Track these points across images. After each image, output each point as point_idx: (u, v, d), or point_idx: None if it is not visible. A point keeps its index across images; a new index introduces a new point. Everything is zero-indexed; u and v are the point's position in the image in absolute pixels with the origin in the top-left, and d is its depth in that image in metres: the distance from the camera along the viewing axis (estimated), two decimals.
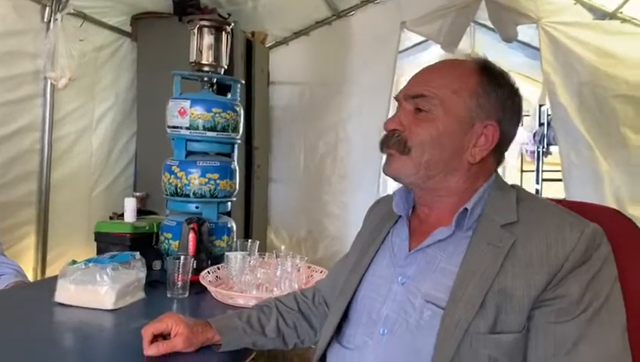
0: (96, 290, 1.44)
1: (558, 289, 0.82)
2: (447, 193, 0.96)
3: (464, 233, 0.92)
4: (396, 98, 1.01)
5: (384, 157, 1.00)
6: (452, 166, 0.94)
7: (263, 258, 1.79)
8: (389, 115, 1.01)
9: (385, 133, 0.98)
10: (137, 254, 1.61)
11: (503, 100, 0.94)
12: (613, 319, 0.82)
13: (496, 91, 0.94)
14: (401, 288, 0.95)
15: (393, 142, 0.96)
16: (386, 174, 0.99)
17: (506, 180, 1.01)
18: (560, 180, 3.75)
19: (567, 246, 0.83)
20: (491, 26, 3.99)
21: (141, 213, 2.15)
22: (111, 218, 2.33)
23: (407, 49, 4.83)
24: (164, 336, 1.15)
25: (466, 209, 0.92)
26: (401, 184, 1.02)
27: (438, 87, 0.93)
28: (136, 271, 1.55)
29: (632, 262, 0.92)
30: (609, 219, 0.96)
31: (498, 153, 0.98)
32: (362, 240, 1.12)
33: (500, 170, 1.02)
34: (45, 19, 2.57)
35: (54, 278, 1.53)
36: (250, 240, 1.87)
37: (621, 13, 3.46)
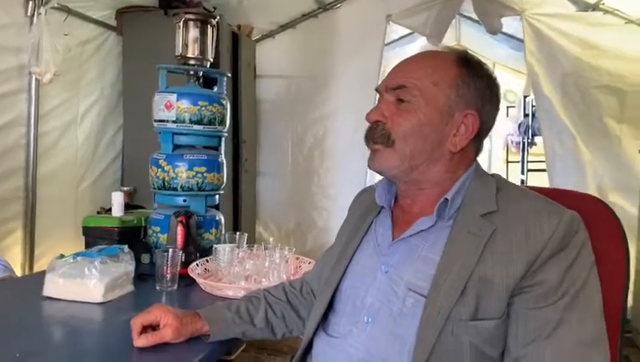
0: (84, 283, 1.45)
1: (537, 276, 0.84)
2: (429, 184, 0.99)
3: (445, 222, 0.94)
4: (377, 90, 1.03)
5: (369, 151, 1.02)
6: (434, 156, 0.96)
7: (252, 250, 1.80)
8: None
9: (368, 125, 1.00)
10: (126, 247, 1.62)
11: (481, 90, 0.97)
12: (590, 304, 0.85)
13: (475, 82, 0.96)
14: (384, 277, 0.97)
15: (378, 135, 0.97)
16: (371, 169, 1.01)
17: (492, 171, 1.03)
18: (544, 170, 3.79)
19: (545, 233, 0.85)
20: (476, 19, 4.03)
21: (129, 207, 2.15)
22: (98, 213, 2.33)
23: (393, 41, 4.85)
24: (153, 328, 1.16)
25: (446, 199, 0.94)
26: (385, 177, 1.04)
27: (419, 78, 0.95)
28: (124, 264, 1.56)
29: (609, 247, 0.95)
30: (587, 206, 0.99)
31: (477, 142, 1.00)
32: (347, 230, 1.14)
33: (485, 161, 1.04)
34: (29, 14, 2.55)
35: (42, 273, 1.53)
36: (238, 233, 1.88)
37: (603, 4, 3.50)
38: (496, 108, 1.00)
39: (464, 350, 0.85)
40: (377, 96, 1.04)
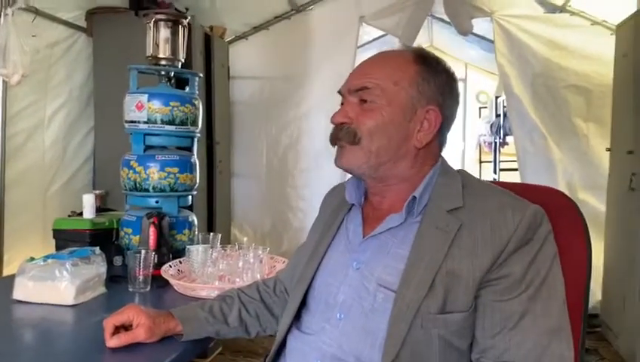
0: (55, 286, 1.43)
1: (502, 270, 0.87)
2: (397, 180, 1.00)
3: (414, 219, 0.96)
4: (340, 92, 1.04)
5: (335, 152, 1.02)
6: (400, 152, 0.98)
7: (225, 250, 1.80)
8: None
9: (333, 126, 1.01)
10: (97, 249, 1.60)
11: (441, 86, 0.99)
12: (552, 294, 0.87)
13: (434, 78, 0.98)
14: (356, 273, 0.98)
15: (343, 133, 0.99)
16: (338, 166, 1.02)
17: (465, 170, 1.05)
18: (517, 170, 3.87)
19: (509, 227, 0.87)
20: (448, 20, 4.08)
21: (100, 211, 2.13)
22: (69, 216, 2.30)
23: (366, 43, 4.89)
24: (125, 328, 1.15)
25: (414, 197, 0.96)
26: (353, 175, 1.05)
27: (380, 79, 0.97)
28: (96, 266, 1.54)
29: (572, 239, 0.98)
30: (552, 199, 1.02)
31: (441, 137, 1.02)
32: (319, 227, 1.15)
33: (459, 162, 1.06)
34: None
35: (12, 276, 1.50)
36: (212, 234, 1.87)
37: (570, 6, 3.59)
38: (457, 102, 1.03)
39: (433, 342, 0.87)
40: (340, 98, 1.04)
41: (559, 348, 0.85)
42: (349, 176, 1.07)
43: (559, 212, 0.99)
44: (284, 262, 1.77)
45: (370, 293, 0.93)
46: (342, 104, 1.02)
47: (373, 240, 0.98)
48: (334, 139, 1.01)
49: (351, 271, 0.99)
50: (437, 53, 1.06)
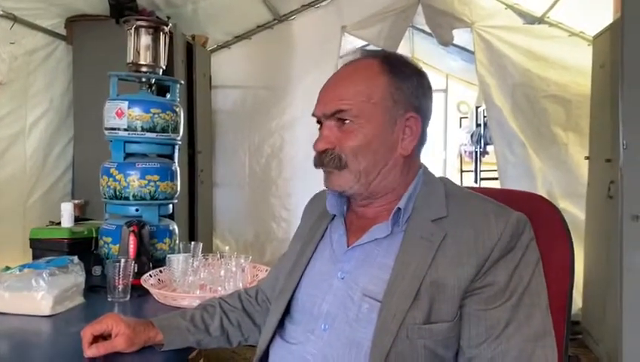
0: (32, 296, 1.39)
1: (487, 278, 0.87)
2: (384, 190, 0.99)
3: (398, 228, 0.95)
4: (315, 116, 1.01)
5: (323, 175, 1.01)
6: (389, 165, 0.97)
7: (207, 259, 1.78)
8: None
9: (316, 152, 0.99)
10: (75, 258, 1.57)
11: (414, 89, 0.98)
12: (535, 301, 0.87)
13: (405, 83, 0.97)
14: (341, 283, 0.97)
15: (328, 160, 0.97)
16: (330, 189, 1.01)
17: (447, 178, 1.05)
18: (497, 179, 3.90)
19: (493, 236, 0.87)
20: (429, 31, 4.12)
21: (79, 220, 2.10)
22: (48, 226, 2.25)
23: (348, 53, 4.91)
24: (104, 337, 1.13)
25: (399, 208, 0.95)
26: (346, 196, 1.03)
27: (353, 98, 0.95)
28: (74, 276, 1.51)
29: (555, 244, 0.98)
30: (534, 205, 1.02)
31: (421, 138, 1.00)
32: (301, 236, 1.13)
33: (440, 171, 1.05)
34: None
35: None
36: (193, 242, 1.85)
37: (548, 18, 3.65)
38: (430, 99, 1.01)
39: (419, 353, 0.86)
40: (317, 125, 1.02)
41: (544, 353, 0.85)
42: None
43: (541, 217, 0.99)
44: (266, 270, 1.75)
45: (355, 303, 0.92)
46: (320, 126, 1.00)
47: (358, 250, 0.98)
48: (320, 165, 0.99)
49: (335, 281, 0.98)
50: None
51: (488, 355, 0.85)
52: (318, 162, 0.99)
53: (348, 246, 0.99)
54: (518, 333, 0.85)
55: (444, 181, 1.01)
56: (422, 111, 0.99)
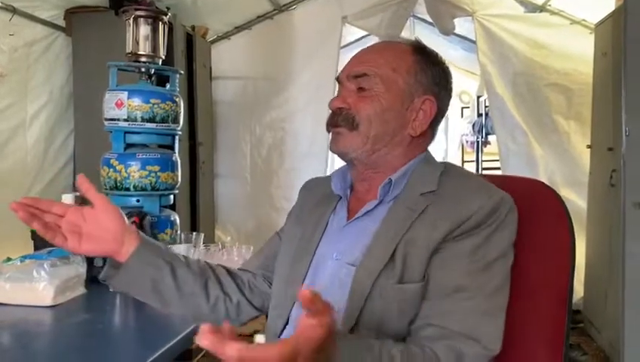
0: (33, 287, 1.40)
1: (453, 242, 0.87)
2: (385, 167, 0.99)
3: (388, 199, 0.96)
4: (337, 79, 1.03)
5: (330, 137, 1.01)
6: (396, 140, 0.98)
7: (209, 249, 1.78)
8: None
9: (331, 111, 1.00)
10: None
11: (437, 77, 1.00)
12: (493, 279, 0.87)
13: (431, 69, 0.99)
14: (335, 263, 0.97)
15: (341, 119, 0.98)
16: (333, 151, 1.01)
17: (450, 162, 1.05)
18: (499, 168, 3.89)
19: (472, 207, 0.88)
20: (430, 20, 4.10)
21: None
22: None
23: (349, 44, 4.89)
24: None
25: (390, 180, 0.96)
26: (345, 160, 1.03)
27: (379, 66, 0.97)
28: (75, 267, 1.51)
29: (556, 229, 0.97)
30: (536, 190, 1.03)
31: (432, 129, 1.02)
32: (300, 221, 1.11)
33: (441, 160, 1.06)
34: None
35: None
36: (195, 233, 1.85)
37: (550, 6, 3.63)
38: (450, 96, 1.04)
39: (393, 314, 0.87)
40: (337, 86, 1.04)
41: (485, 331, 0.84)
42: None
43: (542, 202, 0.99)
44: None
45: (338, 274, 0.94)
46: (340, 90, 1.02)
47: (352, 226, 0.98)
48: (331, 125, 1.00)
49: (330, 262, 0.98)
50: None
51: (429, 311, 0.86)
52: (331, 122, 0.99)
53: (344, 226, 1.00)
54: (466, 302, 0.85)
55: (446, 163, 1.02)
56: (439, 100, 1.00)
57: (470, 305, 0.85)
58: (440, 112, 1.01)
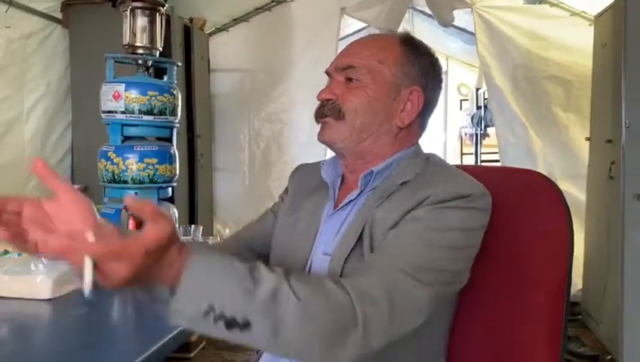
0: (31, 280, 1.39)
1: (407, 214, 0.87)
2: (373, 157, 1.00)
3: (367, 189, 0.97)
4: (327, 72, 1.05)
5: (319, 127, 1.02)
6: (382, 130, 0.99)
7: (208, 241, 1.78)
8: None
9: (319, 103, 1.01)
10: None
11: (424, 68, 1.00)
12: (438, 248, 0.84)
13: (418, 60, 1.00)
14: (321, 255, 0.97)
15: (328, 109, 0.99)
16: (321, 141, 1.02)
17: (437, 155, 1.05)
18: (498, 161, 3.89)
19: (438, 188, 0.88)
20: (429, 13, 4.08)
21: None
22: None
23: (348, 36, 4.87)
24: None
25: (371, 171, 0.97)
26: (333, 150, 1.04)
27: (366, 58, 0.98)
28: None
29: (554, 220, 0.97)
30: (533, 181, 1.03)
31: (422, 120, 1.03)
32: (295, 208, 1.10)
33: (441, 154, 1.06)
34: None
35: None
36: (193, 226, 1.85)
37: None
38: (439, 87, 1.04)
39: None
40: (328, 78, 1.04)
41: (414, 295, 0.80)
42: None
43: (540, 193, 0.98)
44: None
45: (323, 264, 0.94)
46: (329, 82, 1.03)
47: (335, 217, 0.99)
48: (319, 116, 1.01)
49: (314, 255, 0.98)
50: None
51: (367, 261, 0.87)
52: (319, 113, 1.01)
53: (330, 215, 1.00)
54: (397, 255, 0.83)
55: (432, 156, 1.02)
56: (427, 91, 1.00)
57: (400, 260, 0.82)
58: (429, 103, 1.01)
